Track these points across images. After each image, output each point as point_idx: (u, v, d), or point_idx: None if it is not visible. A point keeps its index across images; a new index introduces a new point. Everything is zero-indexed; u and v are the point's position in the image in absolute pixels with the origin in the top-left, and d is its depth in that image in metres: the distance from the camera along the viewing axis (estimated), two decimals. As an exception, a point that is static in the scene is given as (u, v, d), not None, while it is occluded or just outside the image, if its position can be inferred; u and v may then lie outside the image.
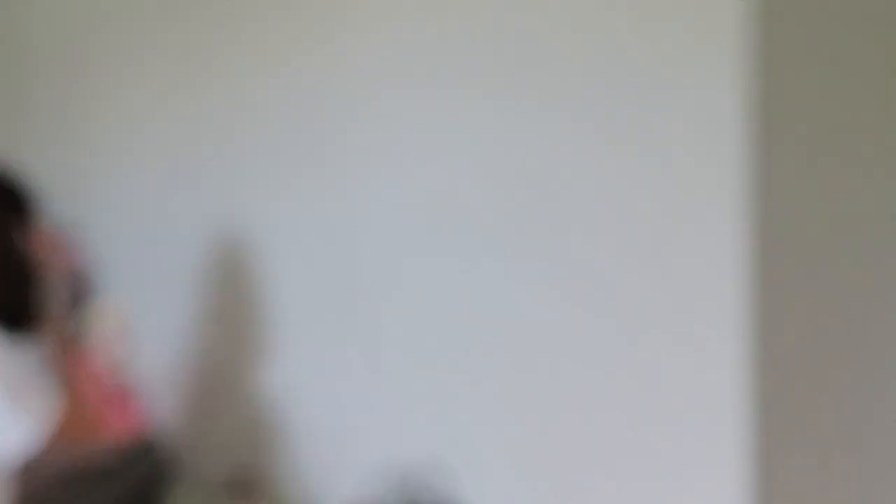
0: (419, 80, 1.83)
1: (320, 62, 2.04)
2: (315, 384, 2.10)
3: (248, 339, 2.22)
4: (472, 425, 1.78)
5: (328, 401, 2.06)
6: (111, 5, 2.66)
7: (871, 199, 1.50)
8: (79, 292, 2.61)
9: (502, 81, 1.67)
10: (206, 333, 2.34)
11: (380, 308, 1.94)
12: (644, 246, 1.47)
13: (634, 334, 1.49)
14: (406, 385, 1.89)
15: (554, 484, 1.64)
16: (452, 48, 1.75)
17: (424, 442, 1.84)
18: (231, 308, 2.28)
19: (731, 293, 1.35)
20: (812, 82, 1.41)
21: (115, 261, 2.59)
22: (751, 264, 1.34)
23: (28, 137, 2.95)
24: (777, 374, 1.37)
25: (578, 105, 1.54)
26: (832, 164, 1.44)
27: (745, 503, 1.36)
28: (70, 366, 2.19)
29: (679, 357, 1.44)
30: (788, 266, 1.39)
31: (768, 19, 1.31)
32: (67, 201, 2.76)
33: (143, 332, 2.48)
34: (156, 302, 2.46)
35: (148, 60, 2.54)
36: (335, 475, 2.02)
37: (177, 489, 2.34)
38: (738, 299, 1.35)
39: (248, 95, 2.25)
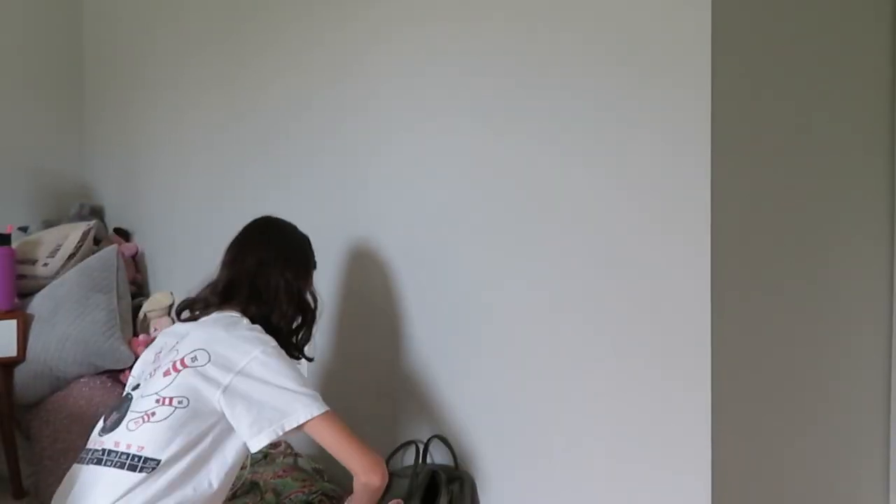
0: (430, 107, 1.95)
1: (345, 99, 2.17)
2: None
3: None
4: (472, 414, 1.90)
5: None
6: (162, 34, 2.84)
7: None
8: (139, 288, 2.79)
9: (503, 108, 1.77)
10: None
11: (397, 310, 2.05)
12: (628, 247, 1.57)
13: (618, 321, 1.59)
14: (418, 379, 2.02)
15: (535, 460, 1.77)
16: (462, 79, 1.86)
17: (434, 423, 1.98)
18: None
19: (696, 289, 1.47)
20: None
21: (167, 258, 2.78)
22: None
23: (92, 155, 3.15)
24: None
25: (569, 128, 1.64)
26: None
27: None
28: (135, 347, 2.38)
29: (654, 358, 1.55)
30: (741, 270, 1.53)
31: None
32: (128, 210, 2.95)
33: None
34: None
35: (194, 85, 2.70)
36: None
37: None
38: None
39: (287, 116, 2.38)
